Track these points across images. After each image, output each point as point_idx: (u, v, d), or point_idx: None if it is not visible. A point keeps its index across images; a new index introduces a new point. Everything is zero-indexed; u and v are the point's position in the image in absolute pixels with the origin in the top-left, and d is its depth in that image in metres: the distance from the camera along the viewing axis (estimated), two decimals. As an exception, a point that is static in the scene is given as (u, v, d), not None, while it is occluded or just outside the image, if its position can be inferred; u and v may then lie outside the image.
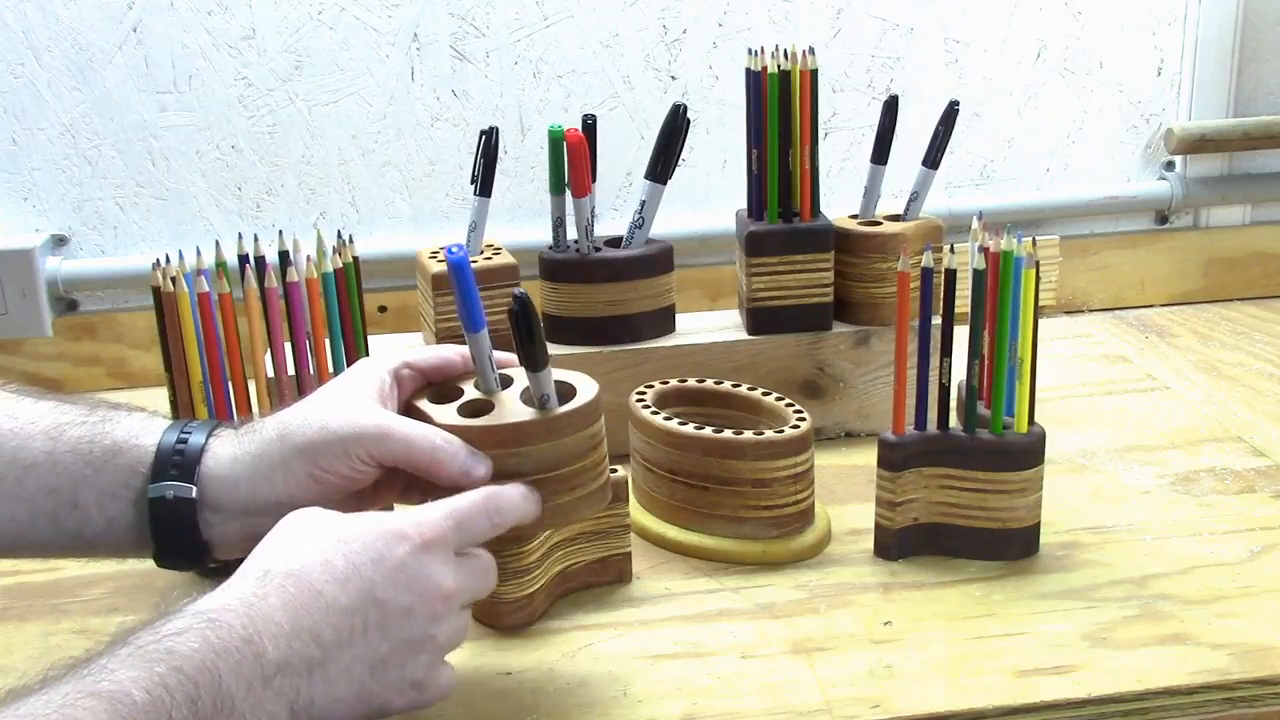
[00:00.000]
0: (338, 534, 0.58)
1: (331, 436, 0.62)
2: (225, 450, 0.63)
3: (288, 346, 0.79)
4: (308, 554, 0.56)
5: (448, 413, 0.65)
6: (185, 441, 0.62)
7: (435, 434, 0.63)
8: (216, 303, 0.76)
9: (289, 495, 0.62)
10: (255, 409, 0.80)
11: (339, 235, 0.81)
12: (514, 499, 0.62)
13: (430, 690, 0.59)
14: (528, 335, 0.63)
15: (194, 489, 0.61)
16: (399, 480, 0.66)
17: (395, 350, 0.69)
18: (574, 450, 0.65)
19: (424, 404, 0.67)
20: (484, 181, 0.94)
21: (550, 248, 0.95)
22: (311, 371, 0.79)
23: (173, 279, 0.75)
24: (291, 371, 0.79)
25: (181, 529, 0.62)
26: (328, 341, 0.80)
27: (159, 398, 1.10)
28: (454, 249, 0.64)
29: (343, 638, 0.55)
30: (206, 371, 0.77)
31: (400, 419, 0.63)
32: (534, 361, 0.64)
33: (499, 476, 0.63)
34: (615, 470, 0.76)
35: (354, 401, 0.64)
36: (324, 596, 0.55)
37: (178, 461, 0.62)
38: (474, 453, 0.63)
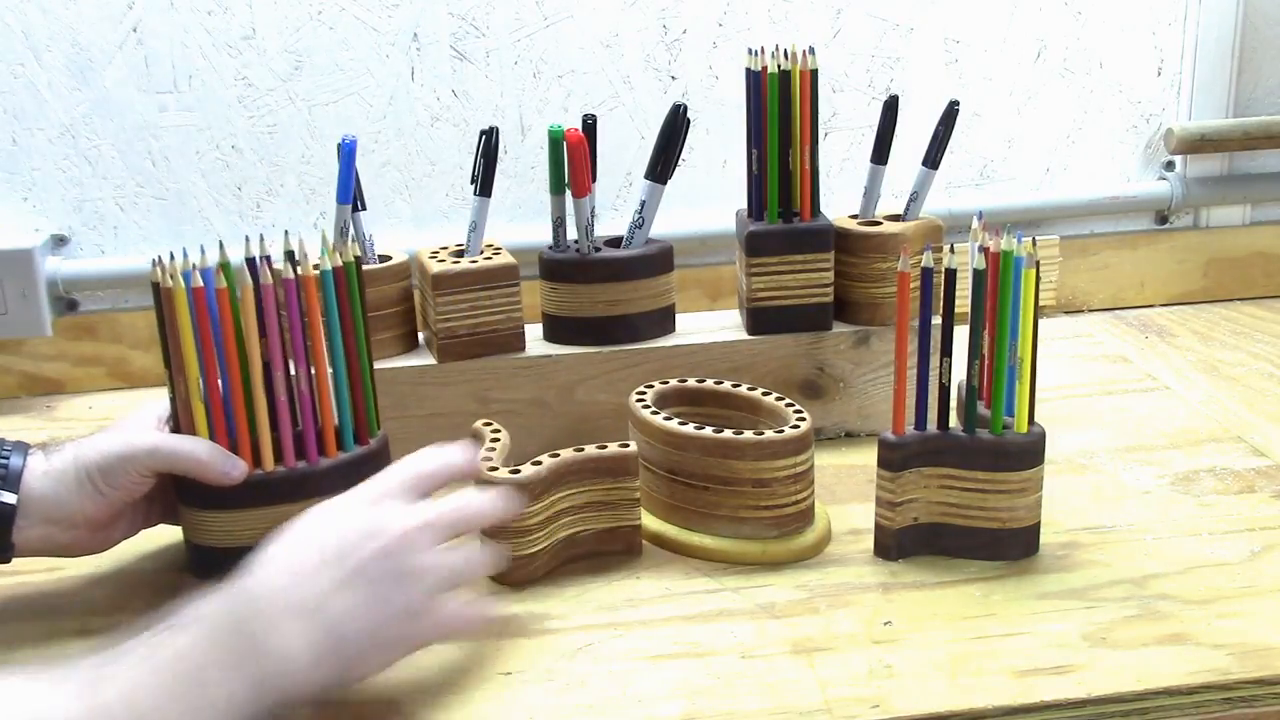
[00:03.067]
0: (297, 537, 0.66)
1: (113, 456, 0.75)
2: (39, 467, 0.75)
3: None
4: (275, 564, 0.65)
5: None
6: (6, 459, 0.74)
7: (198, 445, 0.76)
8: (214, 299, 0.76)
9: (81, 508, 0.75)
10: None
11: (353, 236, 0.81)
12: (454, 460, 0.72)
13: (427, 619, 0.66)
14: None
15: (15, 498, 0.73)
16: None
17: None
18: None
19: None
20: (484, 181, 0.94)
21: (550, 248, 0.95)
22: (311, 371, 0.79)
23: (172, 276, 0.75)
24: (292, 370, 0.79)
25: None
26: (326, 340, 0.80)
27: (158, 398, 1.10)
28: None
29: (328, 589, 0.63)
30: (203, 369, 0.77)
31: (170, 436, 0.77)
32: None
33: None
34: (628, 445, 0.79)
35: (131, 427, 0.78)
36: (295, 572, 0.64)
37: (2, 475, 0.74)
38: (229, 456, 0.76)
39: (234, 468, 0.76)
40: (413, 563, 0.65)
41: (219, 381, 0.77)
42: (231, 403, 0.78)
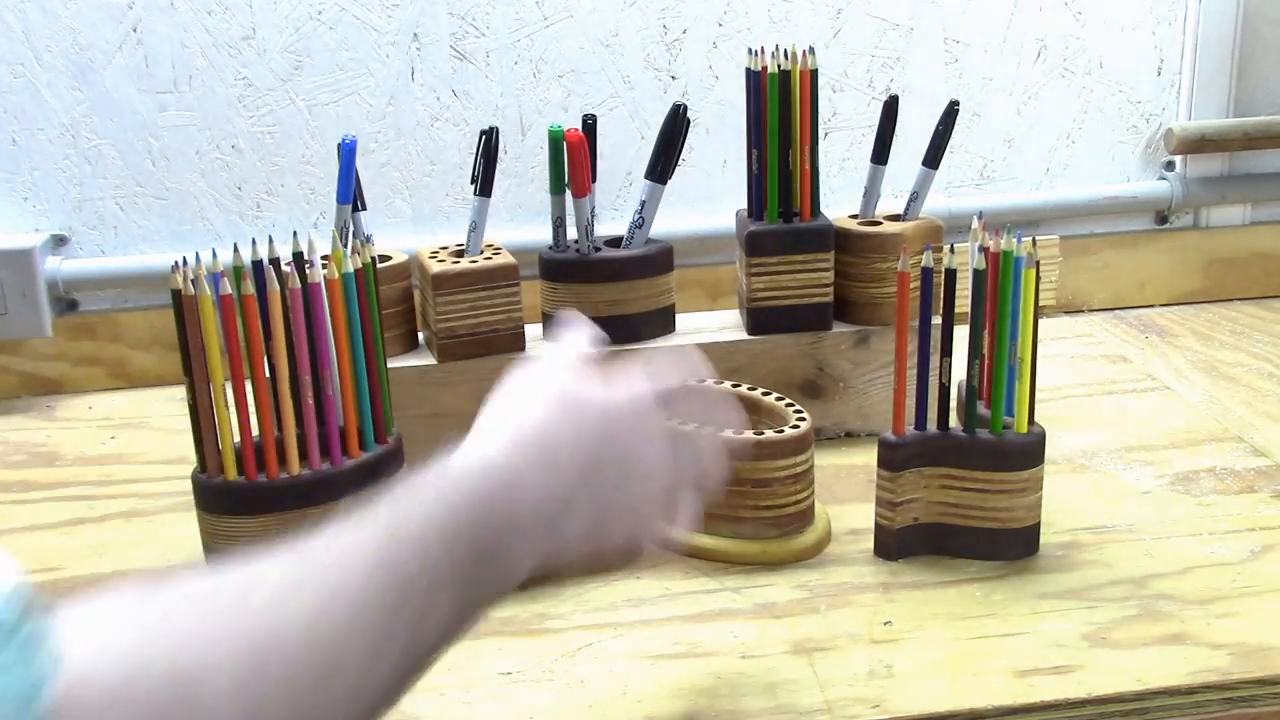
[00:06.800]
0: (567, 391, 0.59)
1: None
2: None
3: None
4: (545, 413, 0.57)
5: None
6: None
7: None
8: (239, 305, 0.75)
9: None
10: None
11: (354, 235, 0.81)
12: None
13: (648, 525, 0.59)
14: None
15: None
16: None
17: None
18: None
19: None
20: (484, 181, 0.94)
21: (550, 248, 0.95)
22: (335, 372, 0.79)
23: (193, 281, 0.74)
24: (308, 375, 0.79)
25: None
26: (347, 343, 0.80)
27: (159, 398, 1.10)
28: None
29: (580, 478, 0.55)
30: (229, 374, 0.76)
31: None
32: None
33: None
34: None
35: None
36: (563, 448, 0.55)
37: None
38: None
39: None
40: (665, 463, 0.58)
41: (245, 386, 0.77)
42: (259, 407, 0.77)
